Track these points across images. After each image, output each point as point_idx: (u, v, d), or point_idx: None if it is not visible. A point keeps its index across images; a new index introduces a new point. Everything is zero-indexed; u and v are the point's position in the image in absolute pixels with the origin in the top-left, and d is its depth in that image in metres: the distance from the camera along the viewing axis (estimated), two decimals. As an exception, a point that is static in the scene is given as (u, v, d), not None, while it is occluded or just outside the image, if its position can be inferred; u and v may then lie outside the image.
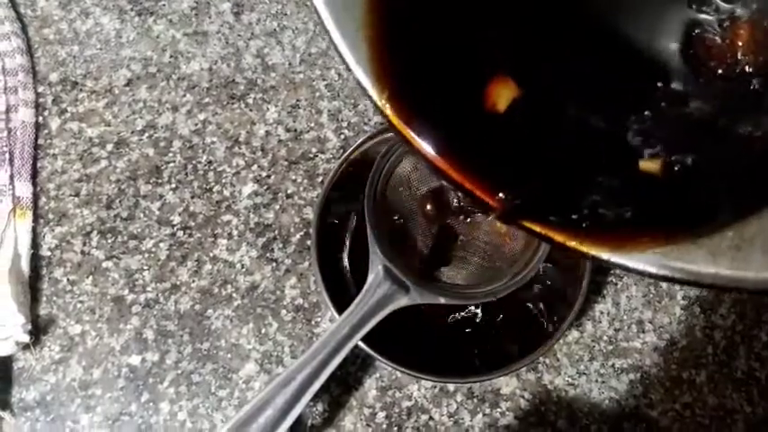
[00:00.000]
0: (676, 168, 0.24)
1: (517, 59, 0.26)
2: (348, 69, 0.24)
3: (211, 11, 0.49)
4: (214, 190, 0.45)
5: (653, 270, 0.23)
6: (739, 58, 0.26)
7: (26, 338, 0.40)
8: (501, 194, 0.23)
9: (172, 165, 0.45)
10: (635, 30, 0.27)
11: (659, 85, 0.26)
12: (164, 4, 0.49)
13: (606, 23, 0.27)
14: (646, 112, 0.25)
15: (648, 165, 0.24)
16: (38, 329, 0.41)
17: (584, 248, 0.23)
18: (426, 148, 0.24)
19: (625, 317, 0.42)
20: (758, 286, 0.23)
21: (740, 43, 0.26)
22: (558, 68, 0.26)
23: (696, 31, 0.27)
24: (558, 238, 0.23)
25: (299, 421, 0.39)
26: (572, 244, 0.23)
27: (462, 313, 0.40)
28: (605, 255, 0.23)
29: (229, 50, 0.48)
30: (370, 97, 0.24)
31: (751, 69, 0.26)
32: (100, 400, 0.40)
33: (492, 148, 0.25)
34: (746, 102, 0.26)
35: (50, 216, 0.44)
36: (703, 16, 0.27)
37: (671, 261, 0.24)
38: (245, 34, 0.49)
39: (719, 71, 0.26)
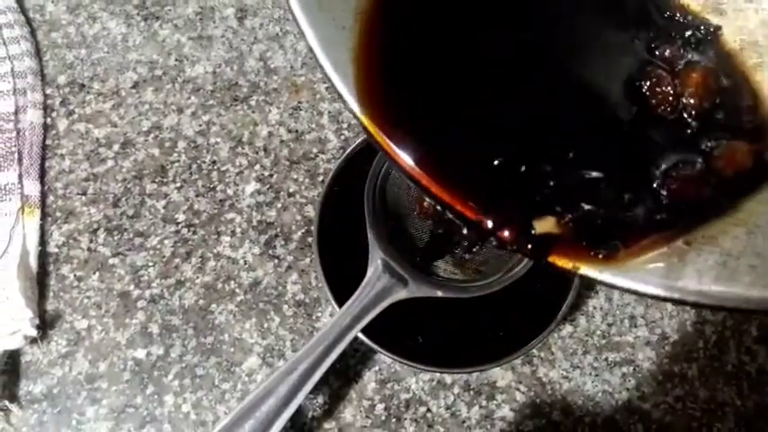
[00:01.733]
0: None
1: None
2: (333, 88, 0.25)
3: (216, 16, 0.51)
4: (218, 189, 0.46)
5: (636, 287, 0.25)
6: (684, 101, 0.28)
7: (34, 333, 0.40)
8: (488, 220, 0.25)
9: (177, 164, 0.46)
10: (593, 68, 0.29)
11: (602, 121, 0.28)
12: (169, 10, 0.51)
13: (568, 56, 0.29)
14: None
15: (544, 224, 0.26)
16: (45, 324, 0.42)
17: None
18: (406, 159, 0.25)
19: (618, 312, 0.43)
20: (744, 305, 0.24)
21: (689, 86, 0.28)
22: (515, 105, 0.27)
23: (648, 69, 0.28)
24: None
25: (299, 413, 0.40)
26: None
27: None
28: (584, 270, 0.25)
29: (233, 54, 0.50)
30: (349, 108, 0.25)
31: (693, 113, 0.28)
32: (106, 393, 0.41)
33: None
34: (681, 143, 0.28)
35: (58, 214, 0.45)
36: (660, 55, 0.29)
37: (658, 278, 0.25)
38: (248, 38, 0.50)
39: (661, 110, 0.28)
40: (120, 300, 0.43)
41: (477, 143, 0.26)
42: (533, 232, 0.25)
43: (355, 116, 0.25)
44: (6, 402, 0.39)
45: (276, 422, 0.34)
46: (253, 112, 0.48)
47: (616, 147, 0.27)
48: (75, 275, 0.43)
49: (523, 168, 0.25)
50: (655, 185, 0.26)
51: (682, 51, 0.29)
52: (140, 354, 0.42)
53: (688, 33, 0.30)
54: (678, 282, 0.25)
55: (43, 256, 0.43)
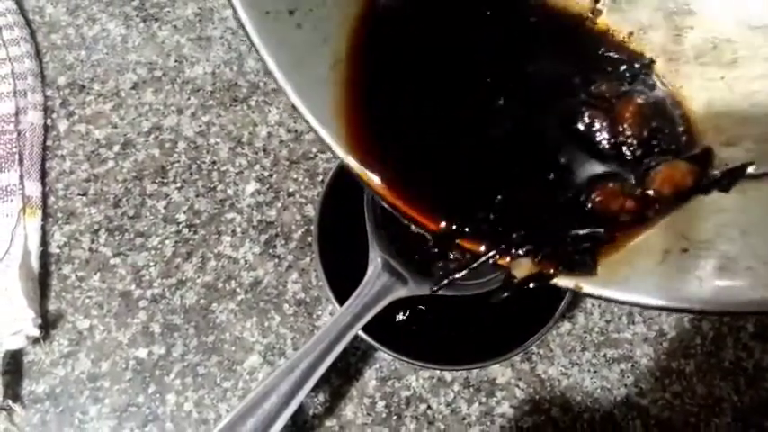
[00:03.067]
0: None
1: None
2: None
3: (215, 17, 0.51)
4: (218, 189, 0.46)
5: (627, 298, 0.26)
6: (623, 132, 0.29)
7: (36, 333, 0.41)
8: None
9: (177, 165, 0.47)
10: (539, 112, 0.31)
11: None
12: (168, 11, 0.51)
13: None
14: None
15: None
16: (47, 324, 0.42)
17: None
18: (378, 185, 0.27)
19: (615, 309, 0.44)
20: (745, 308, 0.24)
21: (627, 119, 0.29)
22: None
23: (583, 109, 0.30)
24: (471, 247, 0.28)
25: (301, 410, 0.40)
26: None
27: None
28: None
29: (232, 55, 0.50)
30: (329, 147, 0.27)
31: (633, 142, 0.29)
32: (108, 392, 0.41)
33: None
34: (622, 168, 0.29)
35: (59, 215, 0.45)
36: (597, 91, 0.31)
37: (661, 290, 0.26)
38: (247, 39, 0.50)
39: (602, 145, 0.29)
40: (122, 299, 0.43)
41: (440, 182, 0.29)
42: (515, 280, 0.27)
43: (336, 156, 0.27)
44: (9, 402, 0.40)
45: (278, 420, 0.34)
46: (252, 112, 0.48)
47: (559, 181, 0.29)
48: (76, 275, 0.43)
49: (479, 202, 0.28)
50: (582, 200, 0.28)
51: (617, 85, 0.31)
52: (142, 353, 0.42)
53: (623, 68, 0.31)
54: (681, 291, 0.25)
55: (45, 256, 0.44)
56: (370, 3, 0.30)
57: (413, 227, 0.28)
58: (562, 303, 0.38)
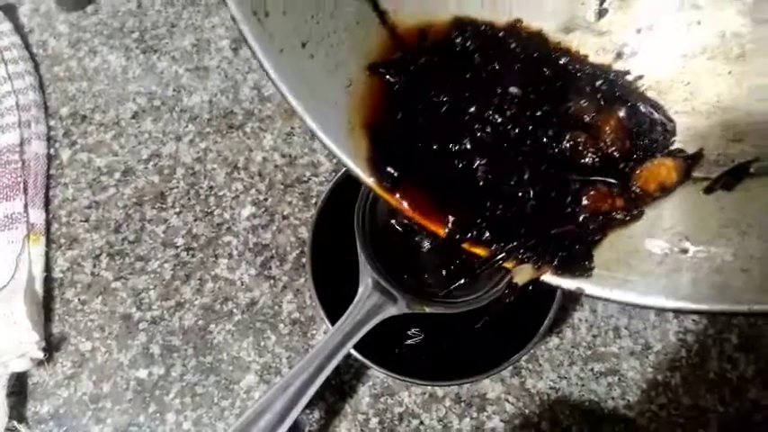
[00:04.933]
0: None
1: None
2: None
3: (211, 47, 0.53)
4: (215, 213, 0.48)
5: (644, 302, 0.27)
6: (607, 145, 0.31)
7: (40, 355, 0.42)
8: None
9: (175, 190, 0.48)
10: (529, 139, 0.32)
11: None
12: (167, 42, 0.53)
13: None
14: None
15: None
16: (51, 347, 0.43)
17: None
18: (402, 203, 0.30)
19: (602, 323, 0.45)
20: (734, 308, 0.25)
21: (608, 129, 0.31)
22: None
23: (565, 132, 0.31)
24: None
25: (296, 427, 0.41)
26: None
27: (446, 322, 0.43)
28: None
29: (228, 84, 0.52)
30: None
31: (617, 154, 0.31)
32: (110, 413, 0.42)
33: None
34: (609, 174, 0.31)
35: (62, 240, 0.47)
36: (575, 112, 0.32)
37: (656, 291, 0.27)
38: (242, 68, 0.52)
39: (588, 161, 0.31)
40: (123, 322, 0.44)
41: (446, 192, 0.31)
42: (516, 284, 0.30)
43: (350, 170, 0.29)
44: (15, 423, 0.41)
45: (273, 437, 0.35)
46: (248, 138, 0.50)
47: (553, 197, 0.31)
48: (79, 299, 0.45)
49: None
50: (572, 206, 0.30)
51: (595, 102, 0.32)
52: (142, 374, 0.43)
53: (599, 83, 0.33)
54: (677, 292, 0.26)
55: (48, 281, 0.45)
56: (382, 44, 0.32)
57: (404, 237, 0.31)
58: (547, 318, 0.39)
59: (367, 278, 0.37)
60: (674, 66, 0.32)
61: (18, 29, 0.53)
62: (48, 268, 0.46)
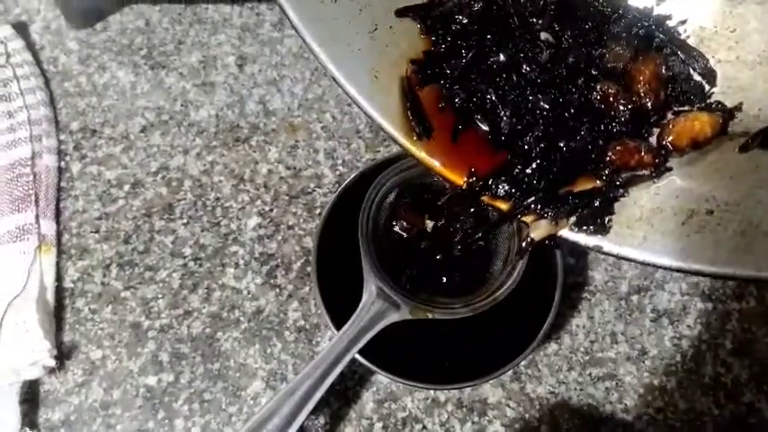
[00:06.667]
0: None
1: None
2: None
3: (218, 63, 0.55)
4: (222, 224, 0.49)
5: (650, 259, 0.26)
6: (640, 97, 0.29)
7: (52, 363, 0.43)
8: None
9: (183, 202, 0.50)
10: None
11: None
12: (174, 59, 0.55)
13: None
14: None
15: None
16: (62, 355, 0.44)
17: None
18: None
19: (599, 329, 0.46)
20: (755, 274, 0.24)
21: (642, 78, 0.29)
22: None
23: (594, 84, 0.30)
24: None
25: (302, 432, 0.42)
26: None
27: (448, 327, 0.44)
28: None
29: (234, 98, 0.53)
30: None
31: (650, 106, 0.29)
32: (120, 419, 0.43)
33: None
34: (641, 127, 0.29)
35: (73, 251, 0.48)
36: (607, 61, 0.31)
37: (677, 251, 0.25)
38: (248, 83, 0.54)
39: (620, 106, 0.29)
40: (132, 330, 0.46)
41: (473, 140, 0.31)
42: (532, 239, 0.29)
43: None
44: (27, 430, 0.42)
45: (280, 442, 0.36)
46: (253, 151, 0.51)
47: (577, 149, 0.30)
48: (89, 308, 0.46)
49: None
50: (598, 157, 0.29)
51: (631, 49, 0.30)
52: (152, 381, 0.44)
53: (636, 29, 0.30)
54: (697, 253, 0.25)
55: (60, 290, 0.46)
56: None
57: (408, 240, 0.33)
58: (546, 324, 0.41)
59: (371, 285, 0.38)
60: (719, 10, 0.30)
61: (29, 46, 0.54)
62: (59, 278, 0.47)
